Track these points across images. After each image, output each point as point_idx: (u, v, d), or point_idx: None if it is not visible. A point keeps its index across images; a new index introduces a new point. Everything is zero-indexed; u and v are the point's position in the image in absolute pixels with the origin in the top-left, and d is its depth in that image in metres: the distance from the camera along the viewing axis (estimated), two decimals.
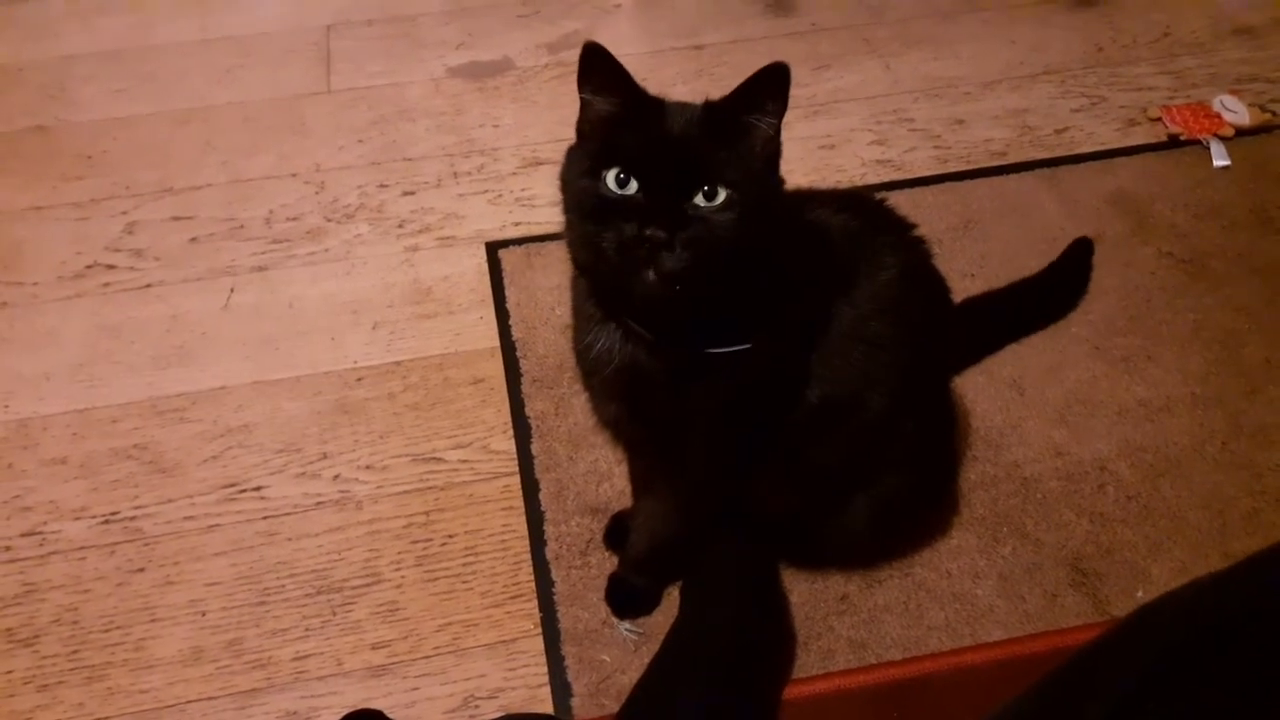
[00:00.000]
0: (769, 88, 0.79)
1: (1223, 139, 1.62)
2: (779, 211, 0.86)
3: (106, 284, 1.48)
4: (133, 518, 1.22)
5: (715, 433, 0.93)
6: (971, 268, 1.44)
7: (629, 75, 0.81)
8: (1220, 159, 1.59)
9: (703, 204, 0.78)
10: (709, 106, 0.81)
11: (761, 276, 0.84)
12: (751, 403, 0.91)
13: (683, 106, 0.83)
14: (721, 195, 0.78)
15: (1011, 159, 1.63)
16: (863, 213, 1.00)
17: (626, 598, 1.11)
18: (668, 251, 0.77)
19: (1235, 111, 1.65)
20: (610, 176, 0.79)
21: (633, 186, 0.79)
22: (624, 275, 0.79)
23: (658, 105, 0.82)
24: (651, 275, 0.78)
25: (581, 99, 0.84)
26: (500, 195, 1.60)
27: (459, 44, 1.89)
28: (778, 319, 0.88)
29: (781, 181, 0.86)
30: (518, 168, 1.64)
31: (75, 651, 1.11)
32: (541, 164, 1.64)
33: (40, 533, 1.21)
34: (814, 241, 0.94)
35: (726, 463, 0.97)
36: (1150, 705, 0.64)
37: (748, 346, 0.86)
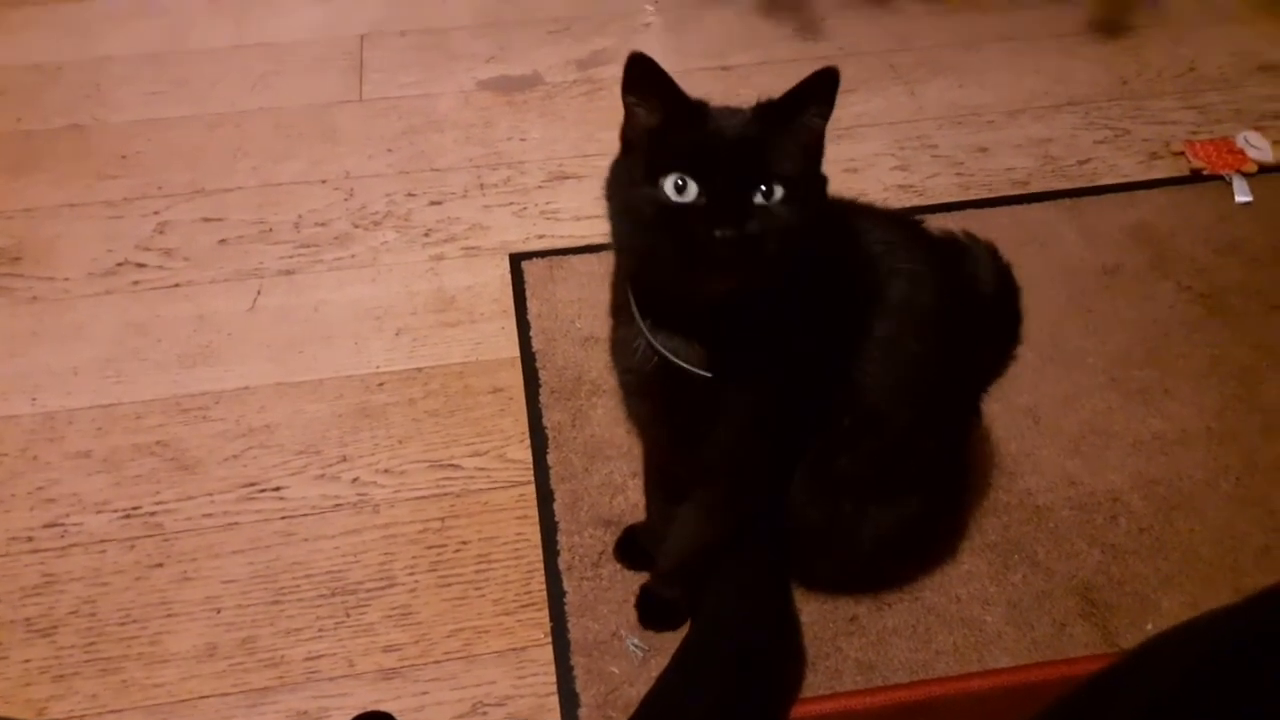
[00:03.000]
0: (820, 91, 0.81)
1: (1245, 175, 1.62)
2: (826, 209, 0.87)
3: (136, 282, 1.51)
4: (153, 513, 1.24)
5: (751, 435, 0.93)
6: None
7: (675, 83, 0.81)
8: (1242, 195, 1.60)
9: (762, 201, 0.79)
10: (761, 106, 0.83)
11: (811, 276, 0.85)
12: (784, 409, 0.92)
13: (730, 110, 0.84)
14: (779, 191, 0.80)
15: (1033, 188, 1.64)
16: (903, 228, 1.01)
17: (655, 610, 1.12)
18: (736, 246, 0.77)
19: (1259, 148, 1.66)
20: (668, 183, 0.79)
21: (692, 191, 0.79)
22: (689, 281, 0.81)
23: (704, 109, 0.83)
24: (719, 276, 0.79)
25: (627, 107, 0.84)
26: (525, 208, 1.62)
27: (490, 57, 1.91)
28: (816, 326, 0.89)
29: (825, 179, 0.87)
30: (543, 181, 1.66)
31: (92, 643, 1.13)
32: (567, 178, 1.65)
33: (62, 524, 1.23)
34: (854, 253, 0.95)
35: (760, 466, 0.98)
36: None
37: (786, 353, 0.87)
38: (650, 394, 0.94)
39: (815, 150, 0.84)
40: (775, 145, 0.81)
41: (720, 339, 0.87)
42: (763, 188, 0.79)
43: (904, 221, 1.04)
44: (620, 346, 0.93)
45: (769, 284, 0.81)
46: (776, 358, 0.88)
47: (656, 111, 0.83)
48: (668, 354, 0.88)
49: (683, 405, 0.92)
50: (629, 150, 0.86)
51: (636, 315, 0.89)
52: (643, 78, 0.81)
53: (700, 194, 0.79)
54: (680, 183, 0.79)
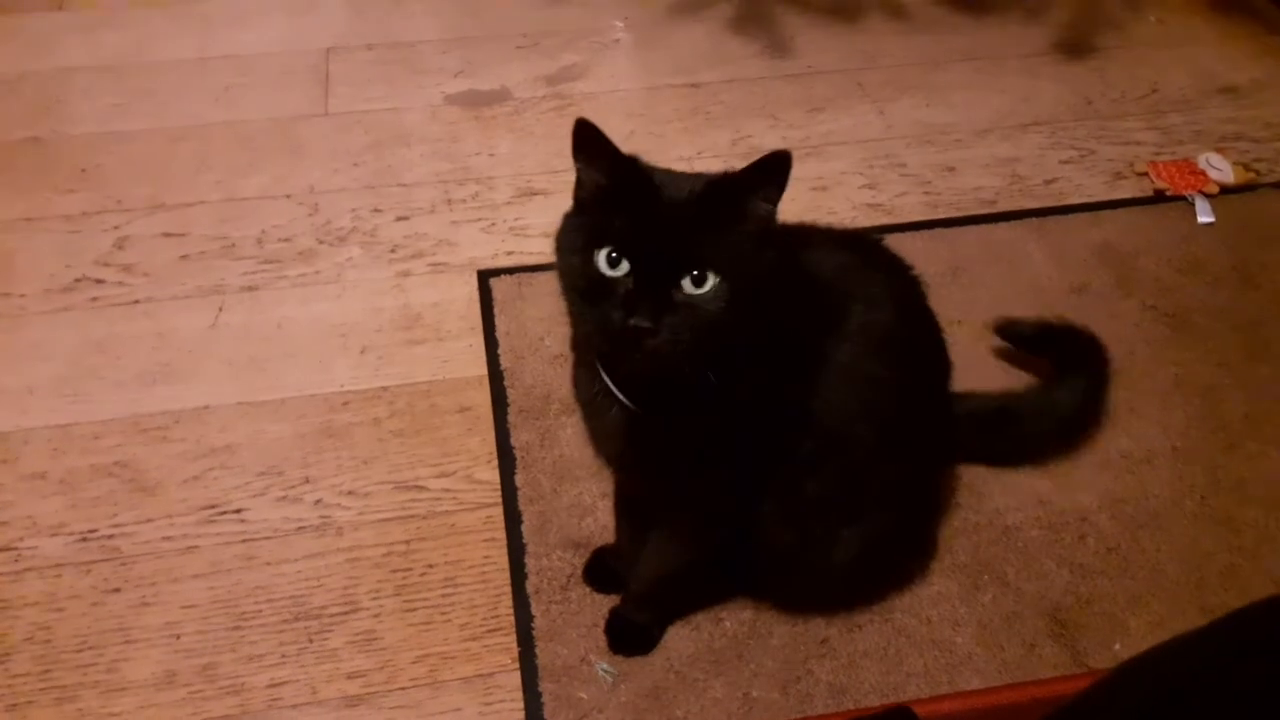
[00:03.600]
0: (773, 174, 0.80)
1: (1207, 196, 1.64)
2: (769, 289, 0.85)
3: (95, 298, 1.48)
4: (111, 536, 1.21)
5: (711, 468, 0.94)
6: (959, 314, 1.44)
7: (618, 150, 0.82)
8: (1204, 215, 1.62)
9: (691, 290, 0.79)
10: (709, 187, 0.82)
11: (749, 348, 0.85)
12: (748, 440, 0.92)
13: (681, 180, 0.83)
14: (710, 282, 0.79)
15: (1001, 207, 1.65)
16: (860, 251, 1.02)
17: (626, 635, 1.11)
18: (652, 338, 0.78)
19: (1220, 169, 1.68)
20: (602, 256, 0.80)
21: (624, 267, 0.79)
22: (612, 354, 0.82)
23: (651, 182, 0.82)
24: (637, 358, 0.80)
25: (577, 169, 0.84)
26: (494, 224, 1.61)
27: (458, 72, 1.90)
28: (768, 368, 0.89)
29: (774, 252, 0.85)
30: (512, 197, 1.65)
31: (46, 671, 1.10)
32: (536, 194, 1.64)
33: (16, 549, 1.20)
34: (808, 287, 0.95)
35: (724, 496, 0.98)
36: None
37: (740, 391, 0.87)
38: (614, 438, 0.94)
39: (763, 234, 0.83)
40: (716, 230, 0.80)
41: (647, 399, 0.88)
42: (694, 274, 0.79)
43: (862, 243, 1.04)
44: (581, 384, 0.94)
45: (681, 372, 0.81)
46: (729, 396, 0.87)
47: (603, 178, 0.83)
48: (617, 393, 0.88)
49: (642, 442, 0.92)
50: (579, 210, 0.85)
51: (590, 358, 0.91)
52: (588, 143, 0.81)
53: (630, 273, 0.79)
54: (613, 257, 0.79)
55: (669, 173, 0.85)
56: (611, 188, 0.82)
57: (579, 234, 0.83)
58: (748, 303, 0.81)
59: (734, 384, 0.86)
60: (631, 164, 0.83)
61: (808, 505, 1.00)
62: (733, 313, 0.80)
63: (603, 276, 0.80)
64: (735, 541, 1.04)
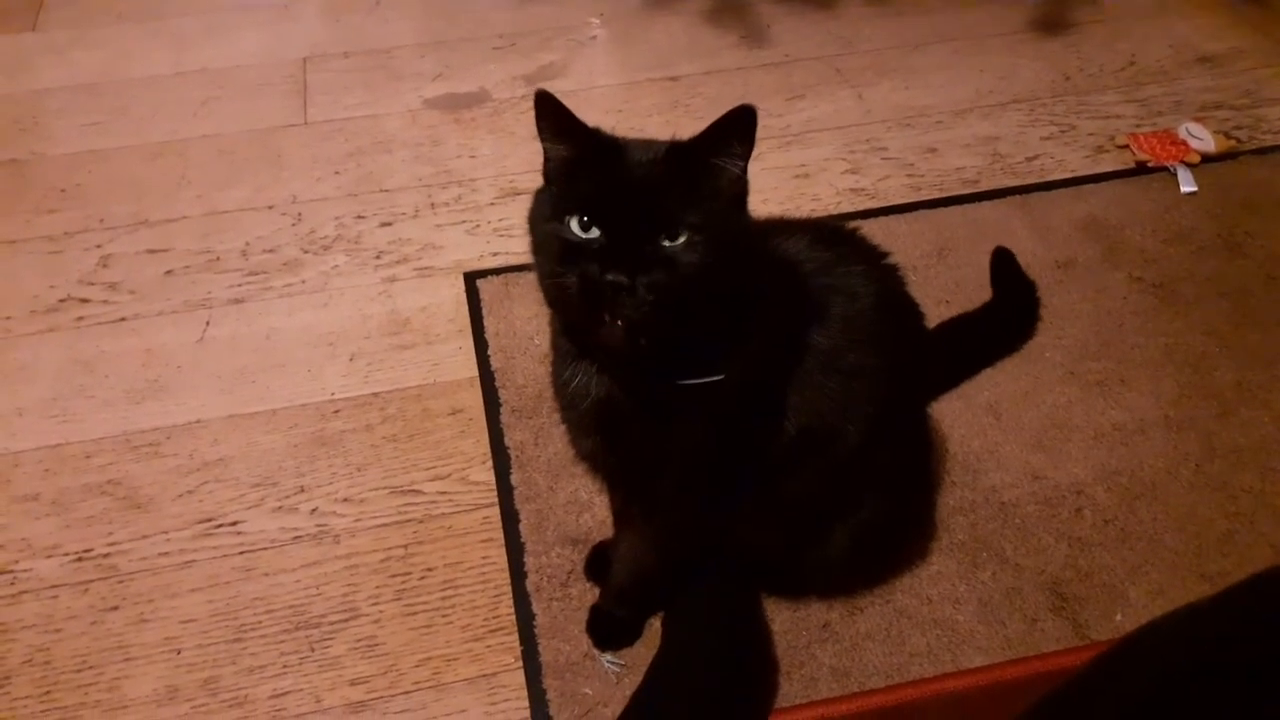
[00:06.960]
0: (736, 130, 0.79)
1: (1189, 165, 1.64)
2: (746, 250, 0.85)
3: (80, 318, 1.47)
4: (106, 555, 1.20)
5: (691, 466, 0.93)
6: (946, 294, 1.45)
7: (580, 121, 0.81)
8: (1187, 185, 1.62)
9: (666, 245, 0.78)
10: (673, 148, 0.81)
11: (730, 312, 0.84)
12: (727, 435, 0.91)
13: (646, 145, 0.83)
14: (684, 237, 0.78)
15: (984, 186, 1.65)
16: (835, 243, 1.00)
17: (608, 629, 1.11)
18: (629, 295, 0.77)
19: (1201, 139, 1.68)
20: (573, 221, 0.79)
21: (596, 230, 0.79)
22: (589, 318, 0.80)
23: (617, 147, 0.82)
24: (614, 318, 0.78)
25: (542, 145, 0.84)
26: (478, 225, 1.60)
27: (436, 75, 1.89)
28: (749, 351, 0.88)
29: (749, 220, 0.86)
30: (495, 198, 1.65)
31: (47, 693, 1.09)
32: (519, 194, 1.64)
33: (11, 571, 1.19)
34: (785, 274, 0.94)
35: (703, 496, 0.97)
36: None
37: (720, 378, 0.86)
38: (591, 431, 0.93)
39: (732, 193, 0.82)
40: (684, 188, 0.79)
41: (639, 371, 0.86)
42: (667, 230, 0.78)
43: (838, 234, 1.03)
44: (560, 387, 0.93)
45: (665, 332, 0.79)
46: (710, 387, 0.86)
47: (567, 149, 0.82)
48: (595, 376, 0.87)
49: (620, 440, 0.92)
50: (548, 183, 0.86)
51: (566, 345, 0.90)
52: (550, 116, 0.81)
53: (602, 235, 0.79)
54: (584, 221, 0.79)
55: (633, 140, 0.84)
56: (577, 157, 0.82)
57: (549, 204, 0.82)
58: (724, 261, 0.80)
59: (714, 361, 0.85)
60: (595, 133, 0.82)
61: (793, 505, 1.00)
62: (709, 270, 0.79)
63: (576, 240, 0.79)
64: (711, 542, 1.04)
